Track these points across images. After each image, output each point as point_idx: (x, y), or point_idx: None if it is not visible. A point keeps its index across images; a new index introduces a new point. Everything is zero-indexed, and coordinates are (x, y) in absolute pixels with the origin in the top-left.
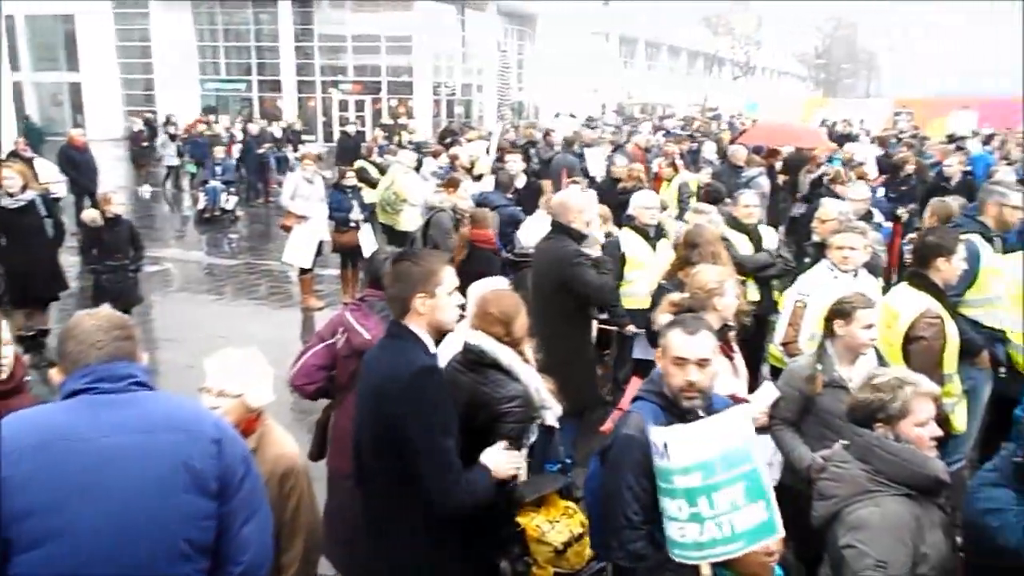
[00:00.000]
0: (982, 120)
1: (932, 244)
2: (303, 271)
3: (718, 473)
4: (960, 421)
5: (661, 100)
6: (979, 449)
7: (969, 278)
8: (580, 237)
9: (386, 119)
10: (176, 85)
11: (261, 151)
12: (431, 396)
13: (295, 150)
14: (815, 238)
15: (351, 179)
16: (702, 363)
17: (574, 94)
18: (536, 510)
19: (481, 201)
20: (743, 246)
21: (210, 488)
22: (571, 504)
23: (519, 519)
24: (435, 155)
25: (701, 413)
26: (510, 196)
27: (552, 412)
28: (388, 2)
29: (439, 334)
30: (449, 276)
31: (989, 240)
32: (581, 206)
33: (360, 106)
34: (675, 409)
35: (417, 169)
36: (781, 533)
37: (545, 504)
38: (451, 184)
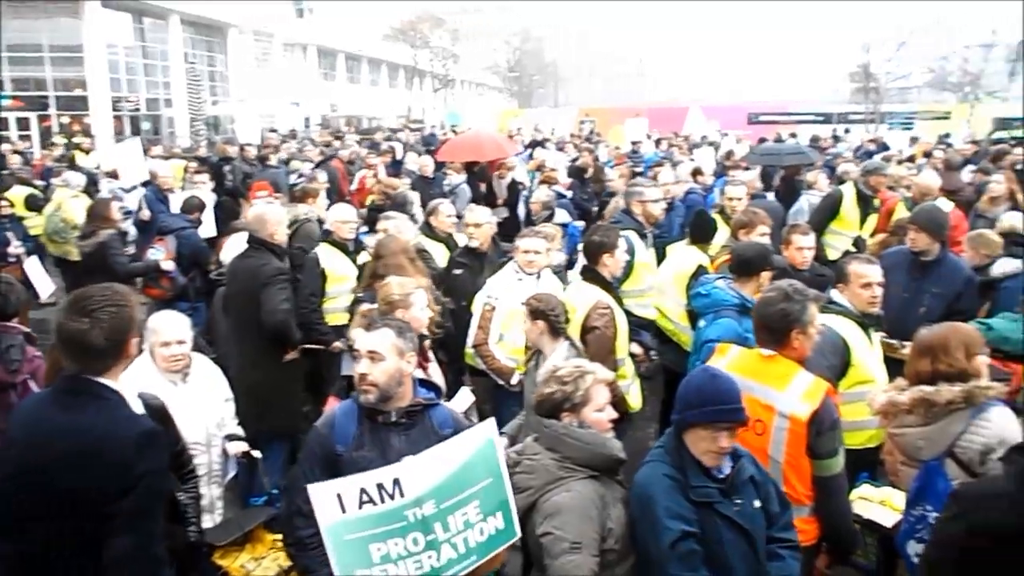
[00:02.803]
0: (652, 125)
1: (597, 242)
2: None
3: (451, 496)
4: (635, 400)
5: (367, 112)
6: (660, 423)
7: (626, 270)
8: (282, 253)
9: (58, 138)
10: None
11: None
12: (157, 466)
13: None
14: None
15: (6, 208)
16: (373, 355)
17: (275, 108)
18: (240, 548)
19: (162, 227)
20: (440, 256)
21: None
22: (280, 537)
23: (220, 561)
24: (115, 175)
25: (395, 416)
26: (192, 219)
27: None
28: (52, 5)
29: None
30: None
31: (643, 236)
32: (280, 219)
33: (24, 124)
34: (371, 411)
35: (90, 192)
36: (518, 534)
37: (251, 540)
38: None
